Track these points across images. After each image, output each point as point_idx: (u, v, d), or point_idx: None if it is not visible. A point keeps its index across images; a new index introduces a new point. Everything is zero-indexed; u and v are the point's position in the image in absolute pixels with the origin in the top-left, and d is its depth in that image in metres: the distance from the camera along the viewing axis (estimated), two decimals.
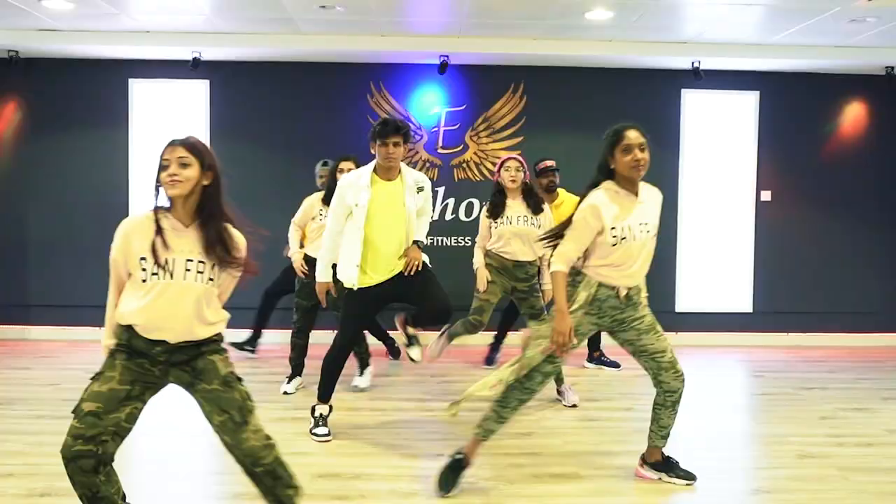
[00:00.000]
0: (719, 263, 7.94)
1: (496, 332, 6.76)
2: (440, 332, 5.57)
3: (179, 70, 7.45)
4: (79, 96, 7.57)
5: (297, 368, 5.75)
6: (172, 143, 2.86)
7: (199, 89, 7.63)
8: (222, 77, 7.59)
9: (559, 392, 5.47)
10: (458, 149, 7.76)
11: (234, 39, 7.01)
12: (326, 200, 5.38)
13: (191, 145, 2.87)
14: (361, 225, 4.44)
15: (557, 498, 3.69)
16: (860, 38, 6.76)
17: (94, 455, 2.70)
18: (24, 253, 7.59)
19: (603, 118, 7.53)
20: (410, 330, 4.75)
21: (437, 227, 7.45)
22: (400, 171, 4.62)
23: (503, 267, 5.40)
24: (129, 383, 2.79)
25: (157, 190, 2.85)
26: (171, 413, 5.24)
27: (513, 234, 5.35)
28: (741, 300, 7.92)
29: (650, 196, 3.80)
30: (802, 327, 7.87)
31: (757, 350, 7.55)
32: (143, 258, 2.76)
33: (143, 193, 7.34)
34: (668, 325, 7.52)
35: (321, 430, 4.59)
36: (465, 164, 7.75)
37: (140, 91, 7.64)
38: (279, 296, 6.65)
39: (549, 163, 6.29)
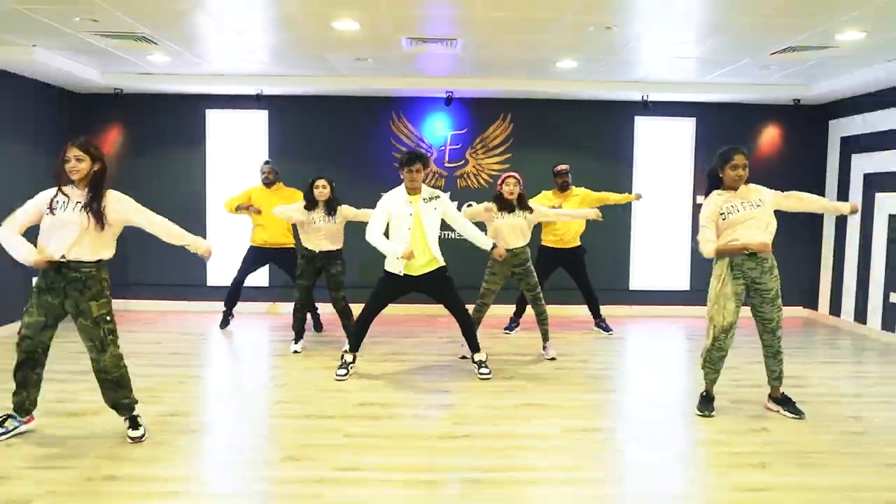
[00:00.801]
0: (664, 251, 8.42)
1: (516, 306, 7.24)
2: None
3: (246, 102, 8.05)
4: (166, 123, 8.16)
5: (299, 333, 6.16)
6: (72, 144, 3.75)
7: (261, 118, 8.19)
8: (279, 108, 8.14)
9: (544, 348, 6.07)
10: (461, 163, 8.31)
11: (289, 80, 7.58)
12: (308, 206, 5.98)
13: (83, 146, 3.76)
14: (410, 225, 5.13)
15: (531, 419, 4.43)
16: (773, 78, 7.28)
17: (31, 359, 3.87)
18: (125, 246, 8.11)
19: (573, 139, 8.29)
20: (476, 357, 5.46)
21: (442, 224, 8.10)
22: (420, 190, 5.24)
23: (505, 260, 5.72)
24: (44, 315, 3.79)
25: (59, 176, 3.78)
26: (224, 395, 5.98)
27: (507, 226, 5.76)
28: (681, 280, 8.45)
29: (751, 190, 4.49)
30: None
31: (693, 319, 8.06)
32: (48, 206, 3.74)
33: (216, 198, 7.96)
34: (623, 300, 8.25)
35: (341, 371, 5.32)
36: (465, 175, 8.30)
37: (214, 119, 8.22)
38: (242, 281, 7.01)
39: (564, 167, 6.84)
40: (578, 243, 7.00)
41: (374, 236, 5.16)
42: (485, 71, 7.22)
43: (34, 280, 3.98)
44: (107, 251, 3.92)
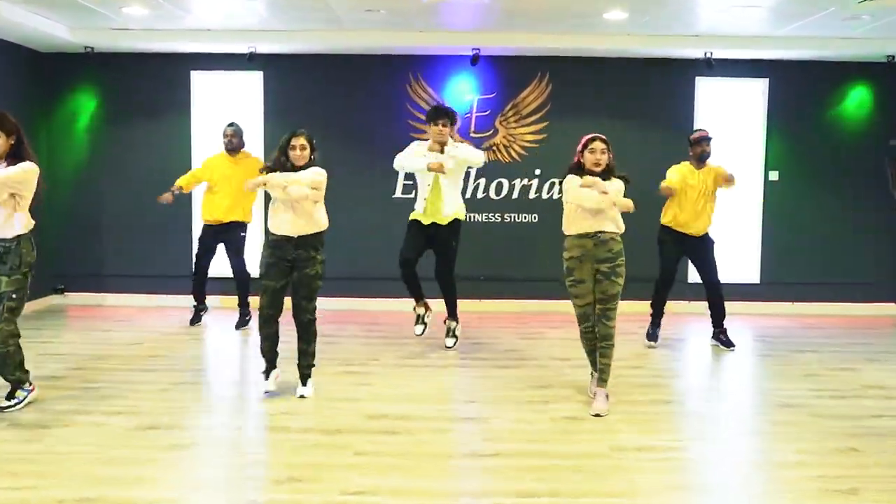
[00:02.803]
0: (729, 238, 8.10)
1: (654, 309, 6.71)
2: (595, 390, 4.85)
3: (236, 62, 7.96)
4: (146, 86, 8.12)
5: (270, 362, 5.03)
6: None
7: (255, 80, 8.12)
8: (275, 68, 8.08)
9: (595, 385, 4.87)
10: (489, 133, 8.20)
11: (287, 36, 7.50)
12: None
13: None
14: (427, 186, 6.00)
15: (574, 435, 4.37)
16: (861, 31, 7.07)
17: None
18: (99, 228, 8.21)
19: (623, 104, 8.17)
20: (449, 324, 6.35)
21: (468, 205, 8.02)
22: (446, 145, 5.89)
23: (584, 253, 4.67)
24: None
25: None
26: (215, 405, 5.92)
27: (589, 206, 4.63)
28: (749, 272, 8.31)
29: None
30: (805, 297, 8.29)
31: (763, 317, 7.99)
32: None
33: None
34: (679, 295, 8.14)
35: (419, 327, 6.28)
36: (495, 147, 8.19)
37: (200, 81, 8.18)
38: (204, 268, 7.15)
39: (703, 132, 6.38)
40: (708, 230, 6.51)
41: (399, 162, 6.12)
42: (517, 24, 7.13)
43: None
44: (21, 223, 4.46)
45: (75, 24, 7.32)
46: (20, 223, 4.44)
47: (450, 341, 6.35)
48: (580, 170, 4.71)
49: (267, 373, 5.02)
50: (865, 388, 5.37)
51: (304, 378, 5.03)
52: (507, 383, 5.40)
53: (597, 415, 4.64)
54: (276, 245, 4.88)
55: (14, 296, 4.41)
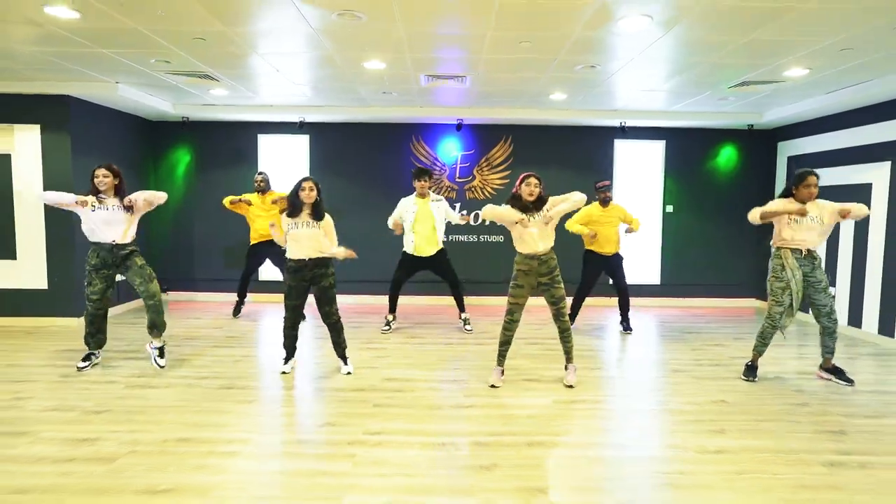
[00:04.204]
0: (639, 252, 8.29)
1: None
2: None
3: (291, 128, 8.01)
4: (226, 146, 8.14)
5: (289, 352, 4.80)
6: (100, 167, 4.60)
7: (303, 141, 8.15)
8: (319, 133, 8.09)
9: (565, 368, 4.65)
10: (469, 178, 8.21)
11: (327, 110, 7.54)
12: (291, 213, 4.54)
13: (108, 167, 4.64)
14: (412, 223, 6.12)
15: (526, 391, 4.44)
16: (729, 108, 7.20)
17: (99, 313, 4.70)
18: (192, 246, 8.21)
19: (563, 158, 8.21)
20: (463, 316, 6.41)
21: (454, 228, 8.08)
22: (427, 195, 6.17)
23: (529, 269, 4.38)
24: (103, 284, 4.66)
25: (94, 186, 4.61)
26: (274, 372, 5.89)
27: (533, 236, 4.35)
28: (653, 276, 8.37)
29: (817, 204, 4.52)
30: (691, 294, 8.34)
31: (662, 309, 8.05)
32: (92, 206, 4.60)
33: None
34: (604, 293, 8.18)
35: (385, 327, 6.32)
36: (473, 188, 8.21)
37: (265, 142, 8.19)
38: (249, 276, 6.95)
39: (605, 182, 6.23)
40: (618, 250, 6.39)
41: (389, 222, 6.28)
42: (489, 102, 7.17)
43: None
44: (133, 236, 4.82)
45: (175, 101, 7.35)
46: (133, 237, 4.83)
47: (468, 326, 6.41)
48: (517, 199, 4.38)
49: (286, 360, 4.80)
50: (732, 359, 5.41)
51: (344, 360, 4.85)
52: (481, 355, 5.44)
53: (570, 386, 4.47)
54: (296, 270, 4.57)
55: (148, 267, 4.80)
